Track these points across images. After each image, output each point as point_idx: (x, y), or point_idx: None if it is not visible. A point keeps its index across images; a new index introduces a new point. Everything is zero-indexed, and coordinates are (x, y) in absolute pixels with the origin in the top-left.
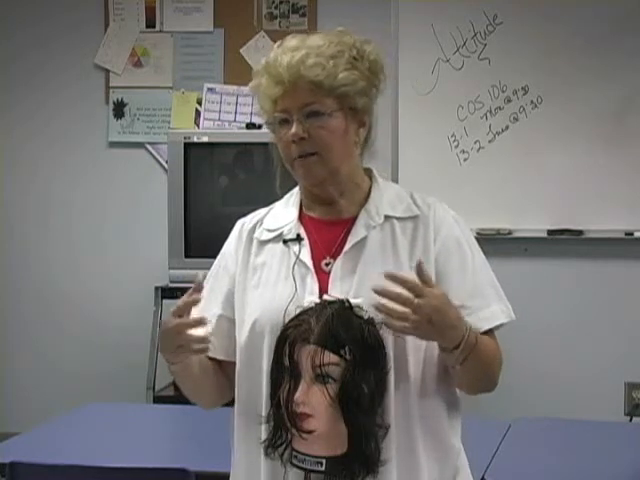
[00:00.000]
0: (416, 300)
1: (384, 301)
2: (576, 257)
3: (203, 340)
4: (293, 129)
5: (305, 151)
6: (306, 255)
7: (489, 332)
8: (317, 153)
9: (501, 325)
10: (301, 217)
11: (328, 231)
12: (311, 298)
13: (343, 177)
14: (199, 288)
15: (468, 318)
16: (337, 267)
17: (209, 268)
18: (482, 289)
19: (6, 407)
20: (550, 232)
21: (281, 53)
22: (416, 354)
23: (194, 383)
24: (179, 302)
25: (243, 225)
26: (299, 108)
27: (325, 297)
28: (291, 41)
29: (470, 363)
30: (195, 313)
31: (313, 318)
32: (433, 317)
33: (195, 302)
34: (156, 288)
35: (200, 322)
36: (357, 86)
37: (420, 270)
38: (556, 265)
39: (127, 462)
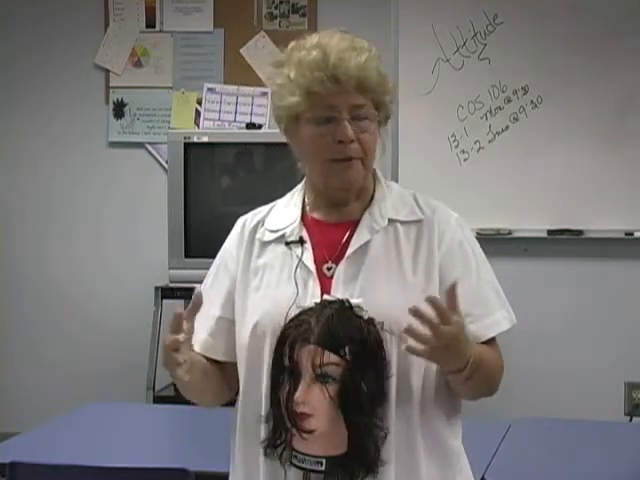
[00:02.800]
0: (442, 327)
1: (413, 321)
2: (576, 257)
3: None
4: (347, 130)
5: (349, 155)
6: (309, 258)
7: (491, 339)
8: (360, 158)
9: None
10: (304, 218)
11: (331, 233)
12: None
13: (365, 183)
14: (197, 303)
15: (472, 326)
16: (340, 271)
17: (209, 268)
18: (485, 295)
19: (6, 407)
20: (550, 232)
21: (342, 50)
22: (418, 358)
23: (196, 387)
24: (173, 318)
25: (244, 224)
26: (350, 109)
27: (325, 297)
28: (340, 40)
29: (474, 380)
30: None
31: (313, 318)
32: (450, 345)
33: (189, 317)
34: (156, 288)
35: (190, 337)
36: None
37: (452, 295)
38: (556, 265)
39: (127, 462)
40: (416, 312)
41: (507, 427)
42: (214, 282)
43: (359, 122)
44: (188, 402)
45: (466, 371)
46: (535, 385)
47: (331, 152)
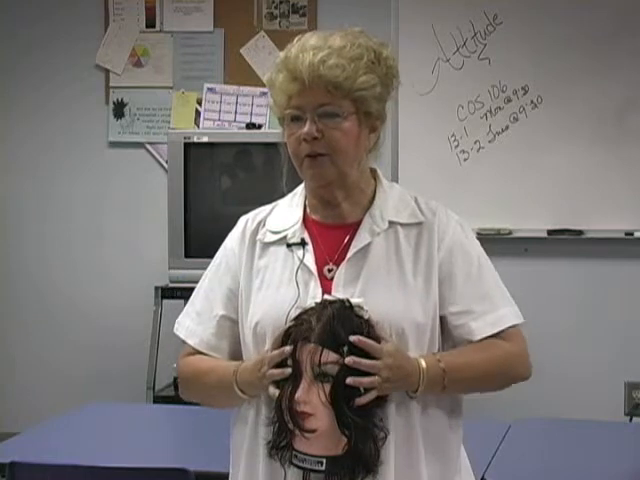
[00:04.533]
0: (378, 363)
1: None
2: (576, 257)
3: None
4: (306, 128)
5: (316, 151)
6: (310, 260)
7: (501, 334)
8: (328, 154)
9: (514, 326)
10: (305, 219)
11: (332, 235)
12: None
13: (350, 181)
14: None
15: (474, 323)
16: (340, 273)
17: None
18: (488, 293)
19: (6, 407)
20: (550, 232)
21: (301, 50)
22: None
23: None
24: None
25: (246, 224)
26: (314, 107)
27: (326, 297)
28: (311, 39)
29: (454, 386)
30: (196, 311)
31: (314, 317)
32: (390, 376)
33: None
34: (156, 288)
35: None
36: (374, 91)
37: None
38: (556, 265)
39: (127, 462)
40: (353, 364)
41: (507, 427)
42: (214, 280)
43: (325, 120)
44: (188, 402)
45: (420, 390)
46: (535, 385)
47: (300, 150)
